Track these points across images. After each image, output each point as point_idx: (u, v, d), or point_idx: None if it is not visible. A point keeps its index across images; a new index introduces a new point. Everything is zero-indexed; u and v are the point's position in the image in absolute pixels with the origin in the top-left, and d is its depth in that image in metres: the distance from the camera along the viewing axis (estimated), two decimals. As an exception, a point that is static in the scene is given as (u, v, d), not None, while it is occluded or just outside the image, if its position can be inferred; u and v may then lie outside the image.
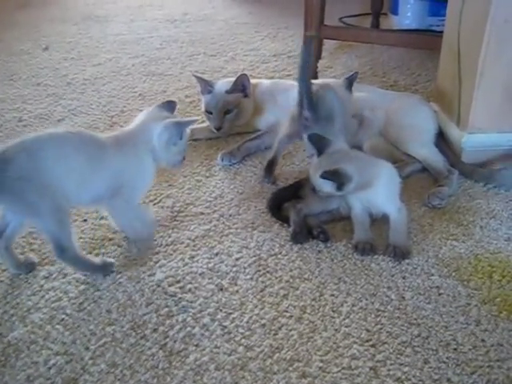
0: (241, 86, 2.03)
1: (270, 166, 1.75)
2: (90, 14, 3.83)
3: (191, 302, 1.30)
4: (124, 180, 1.37)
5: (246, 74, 2.04)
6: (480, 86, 1.74)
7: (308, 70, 1.62)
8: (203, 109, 2.05)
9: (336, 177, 1.41)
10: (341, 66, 2.83)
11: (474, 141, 1.81)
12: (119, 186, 1.36)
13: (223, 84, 2.06)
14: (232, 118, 2.01)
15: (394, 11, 3.36)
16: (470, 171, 1.81)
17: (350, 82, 1.82)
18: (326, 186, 1.44)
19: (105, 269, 1.38)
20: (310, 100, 1.61)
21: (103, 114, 2.30)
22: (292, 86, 2.13)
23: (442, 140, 1.91)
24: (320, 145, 1.49)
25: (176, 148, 1.44)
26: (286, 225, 1.56)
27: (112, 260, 1.42)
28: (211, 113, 2.01)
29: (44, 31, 3.41)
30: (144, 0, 4.22)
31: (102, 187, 1.35)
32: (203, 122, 2.10)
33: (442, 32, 2.02)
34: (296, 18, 2.82)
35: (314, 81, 1.91)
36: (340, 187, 1.43)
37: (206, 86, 2.05)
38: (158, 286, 1.35)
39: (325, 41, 2.63)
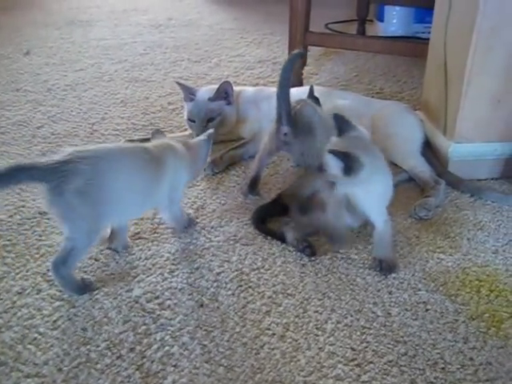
0: (224, 93, 1.98)
1: (253, 184, 1.70)
2: (74, 18, 3.77)
3: (170, 320, 1.25)
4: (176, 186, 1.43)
5: (229, 82, 1.99)
6: (467, 95, 1.72)
7: (288, 87, 1.58)
8: (186, 117, 2.00)
9: (346, 158, 1.30)
10: (326, 73, 2.81)
11: (460, 150, 1.78)
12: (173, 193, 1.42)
13: (206, 91, 2.02)
14: (215, 127, 1.97)
15: (380, 18, 3.36)
16: (457, 182, 1.78)
17: (312, 96, 1.76)
18: (334, 166, 1.30)
19: (84, 288, 1.33)
20: (288, 115, 1.58)
21: (84, 122, 2.24)
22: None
23: (428, 149, 1.88)
24: (342, 125, 1.39)
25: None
26: (269, 238, 1.52)
27: (91, 280, 1.37)
28: (194, 121, 1.96)
29: (26, 35, 3.34)
30: (128, 4, 4.18)
31: (164, 197, 1.40)
32: (186, 130, 2.06)
33: (427, 39, 2.00)
34: (282, 24, 2.78)
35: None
36: (348, 171, 1.30)
37: (189, 94, 2.00)
38: (136, 302, 1.30)
39: (310, 47, 2.60)
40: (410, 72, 2.82)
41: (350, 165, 1.29)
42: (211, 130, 1.59)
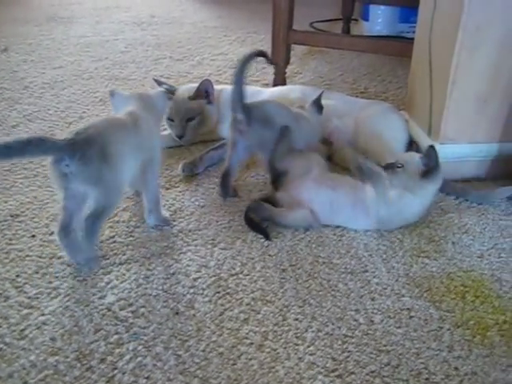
0: (204, 92, 1.93)
1: (224, 181, 1.64)
2: (54, 14, 3.70)
3: (143, 328, 1.19)
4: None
5: (209, 80, 1.94)
6: (452, 95, 1.68)
7: (242, 76, 1.60)
8: (165, 116, 1.95)
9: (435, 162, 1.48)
10: (310, 72, 2.77)
11: (445, 151, 1.74)
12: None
13: (185, 90, 1.96)
14: (195, 126, 1.92)
15: (365, 17, 3.33)
16: (442, 184, 1.73)
17: (317, 103, 1.80)
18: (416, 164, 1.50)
19: (94, 261, 1.39)
20: (241, 103, 1.58)
21: (61, 120, 2.17)
22: (259, 92, 2.06)
23: (412, 150, 1.84)
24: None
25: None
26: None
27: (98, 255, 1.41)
28: (173, 120, 1.91)
29: (4, 32, 3.27)
30: (111, 1, 4.11)
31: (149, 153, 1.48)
32: (165, 129, 2.00)
33: (412, 39, 1.96)
34: (266, 23, 2.73)
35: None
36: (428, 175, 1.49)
37: (168, 92, 1.94)
38: (109, 309, 1.24)
39: (294, 46, 2.55)
40: (395, 71, 2.79)
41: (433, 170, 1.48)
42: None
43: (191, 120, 1.90)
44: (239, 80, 1.59)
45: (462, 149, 1.76)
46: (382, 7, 3.25)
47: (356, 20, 3.43)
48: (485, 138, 1.76)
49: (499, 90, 1.69)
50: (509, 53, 1.63)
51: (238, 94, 1.59)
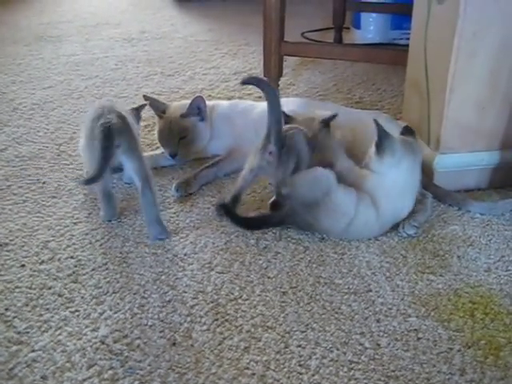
0: (196, 109, 1.88)
1: (234, 203, 1.59)
2: (43, 34, 3.65)
3: (139, 362, 1.14)
4: None
5: (201, 96, 1.89)
6: (450, 103, 1.63)
7: (280, 106, 1.52)
8: (157, 135, 1.90)
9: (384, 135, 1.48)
10: (303, 83, 2.73)
11: (446, 161, 1.70)
12: None
13: (177, 107, 1.91)
14: (188, 144, 1.87)
15: (357, 25, 3.31)
16: (444, 194, 1.69)
17: (327, 123, 1.71)
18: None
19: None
20: (278, 135, 1.51)
21: (51, 142, 2.12)
22: (252, 106, 2.01)
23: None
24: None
25: None
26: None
27: None
28: (166, 139, 1.86)
29: (-7, 53, 3.22)
30: (100, 18, 4.08)
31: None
32: (157, 148, 1.95)
33: (405, 45, 1.92)
34: (257, 35, 2.70)
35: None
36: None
37: (158, 110, 1.90)
38: (103, 342, 1.19)
39: (286, 57, 2.52)
40: (389, 80, 2.75)
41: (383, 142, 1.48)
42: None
43: (184, 138, 1.85)
44: (276, 111, 1.52)
45: (463, 158, 1.71)
46: (374, 15, 3.23)
47: (348, 28, 3.40)
48: (485, 146, 1.71)
49: (498, 96, 1.65)
50: (507, 58, 1.59)
51: (276, 125, 1.51)
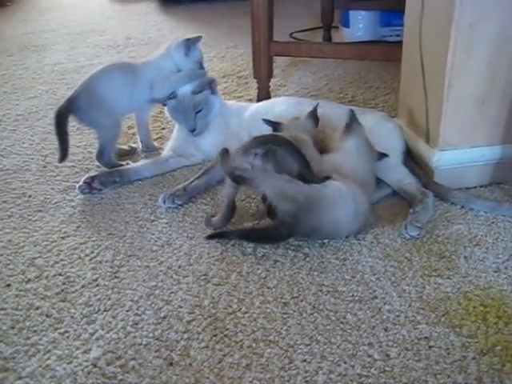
0: (208, 84, 1.91)
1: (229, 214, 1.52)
2: (28, 43, 3.59)
3: (134, 385, 1.07)
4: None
5: (213, 79, 1.95)
6: (449, 98, 1.58)
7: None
8: (169, 113, 1.92)
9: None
10: (294, 84, 2.67)
11: (447, 158, 1.64)
12: None
13: (187, 87, 1.90)
14: (204, 117, 1.88)
15: (345, 24, 3.26)
16: (445, 192, 1.63)
17: (314, 115, 1.71)
18: None
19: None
20: (269, 147, 1.44)
21: (36, 154, 2.05)
22: (245, 107, 2.00)
23: (409, 159, 1.74)
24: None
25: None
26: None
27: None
28: (182, 116, 1.87)
29: (-24, 64, 3.15)
30: (86, 26, 4.01)
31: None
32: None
33: (396, 42, 1.87)
34: (244, 37, 2.65)
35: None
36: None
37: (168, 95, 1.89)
38: (95, 365, 1.11)
39: (276, 58, 2.46)
40: (382, 77, 2.70)
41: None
42: None
43: (199, 111, 1.87)
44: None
45: (464, 154, 1.65)
46: (363, 12, 3.18)
47: (336, 27, 3.35)
48: (487, 141, 1.65)
49: (498, 89, 1.59)
50: (506, 49, 1.54)
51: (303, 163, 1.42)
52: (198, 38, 1.95)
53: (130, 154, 2.01)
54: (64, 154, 1.79)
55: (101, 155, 1.84)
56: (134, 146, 2.05)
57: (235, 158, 1.45)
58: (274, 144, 1.44)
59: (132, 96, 1.85)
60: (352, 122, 1.61)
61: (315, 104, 1.72)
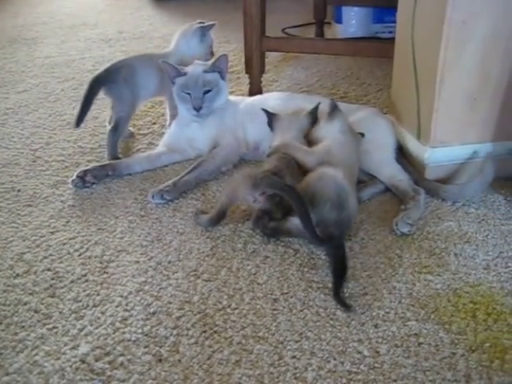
0: (219, 67, 1.86)
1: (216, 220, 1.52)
2: (18, 36, 3.54)
3: (123, 381, 1.06)
4: None
5: (225, 55, 1.88)
6: (440, 95, 1.57)
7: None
8: (177, 91, 1.85)
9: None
10: (286, 80, 2.66)
11: (437, 155, 1.64)
12: None
13: (198, 65, 1.88)
14: (212, 98, 1.84)
15: (338, 20, 3.24)
16: (436, 189, 1.63)
17: (314, 113, 1.73)
18: None
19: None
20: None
21: (26, 148, 2.03)
22: (240, 100, 2.00)
23: (401, 155, 1.74)
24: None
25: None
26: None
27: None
28: (188, 93, 1.82)
29: (-36, 58, 3.11)
30: (77, 19, 3.97)
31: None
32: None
33: (388, 39, 1.86)
34: (237, 32, 2.63)
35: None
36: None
37: (178, 71, 1.84)
38: (83, 361, 1.10)
39: (268, 54, 2.44)
40: (374, 73, 2.69)
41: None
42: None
43: (208, 92, 1.83)
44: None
45: (455, 151, 1.65)
46: (355, 9, 3.17)
47: (329, 23, 3.34)
48: (478, 138, 1.65)
49: (490, 86, 1.59)
50: (498, 46, 1.54)
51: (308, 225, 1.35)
52: (212, 25, 2.07)
53: (129, 137, 2.08)
54: (81, 119, 1.89)
55: (115, 130, 1.89)
56: (131, 130, 2.10)
57: (240, 187, 1.44)
58: (283, 192, 1.39)
59: (157, 86, 1.98)
60: (333, 110, 1.64)
61: (316, 102, 1.73)
